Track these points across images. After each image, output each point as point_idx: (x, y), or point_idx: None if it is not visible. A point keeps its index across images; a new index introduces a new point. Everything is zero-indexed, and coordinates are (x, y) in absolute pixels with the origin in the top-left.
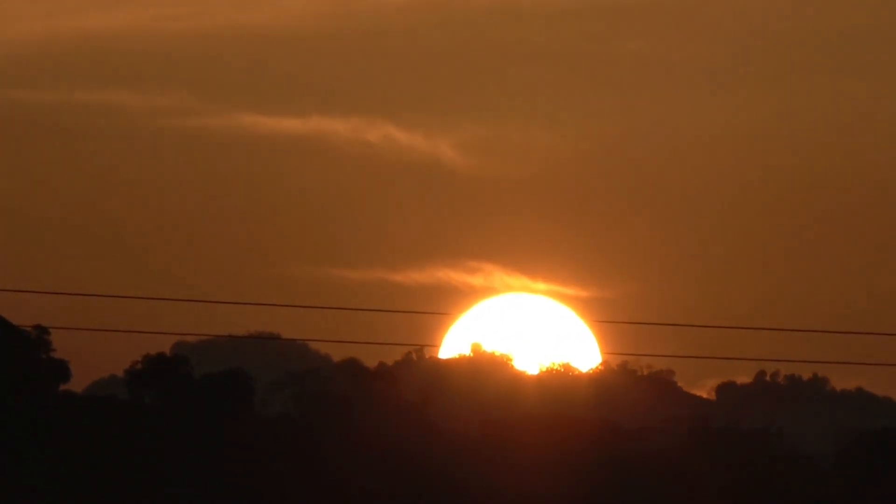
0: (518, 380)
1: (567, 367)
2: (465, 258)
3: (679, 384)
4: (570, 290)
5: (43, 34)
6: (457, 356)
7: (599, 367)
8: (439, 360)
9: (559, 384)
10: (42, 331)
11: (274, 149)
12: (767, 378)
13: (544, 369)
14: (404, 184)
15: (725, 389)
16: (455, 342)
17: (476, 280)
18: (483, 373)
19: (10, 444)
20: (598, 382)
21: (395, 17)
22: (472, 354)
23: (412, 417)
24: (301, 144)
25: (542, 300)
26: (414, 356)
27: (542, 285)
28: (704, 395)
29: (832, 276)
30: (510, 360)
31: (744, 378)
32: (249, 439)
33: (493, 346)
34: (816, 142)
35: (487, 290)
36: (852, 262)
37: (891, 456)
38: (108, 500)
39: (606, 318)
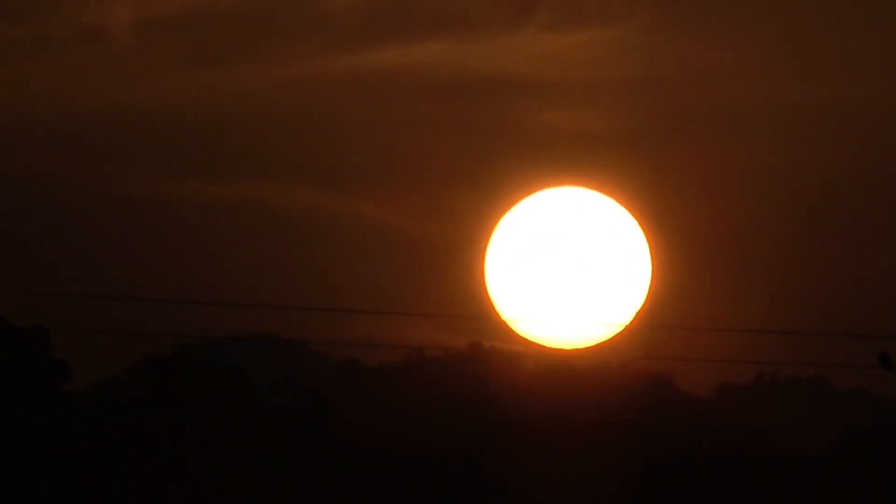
0: (518, 379)
1: (567, 364)
2: (394, 314)
3: (679, 384)
4: None
5: None
6: (456, 355)
7: (598, 366)
8: (439, 359)
9: (558, 384)
10: (42, 331)
11: (203, 212)
12: (767, 378)
13: (543, 365)
14: (331, 244)
15: (725, 389)
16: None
17: (409, 335)
18: (482, 371)
19: (10, 444)
20: (598, 382)
21: (306, 89)
22: (471, 353)
23: (412, 417)
24: (232, 208)
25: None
26: (414, 356)
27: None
28: (704, 396)
29: (833, 278)
30: (510, 358)
31: (744, 378)
32: (249, 439)
33: (494, 343)
34: (796, 147)
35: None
36: (853, 263)
37: (890, 455)
38: (108, 499)
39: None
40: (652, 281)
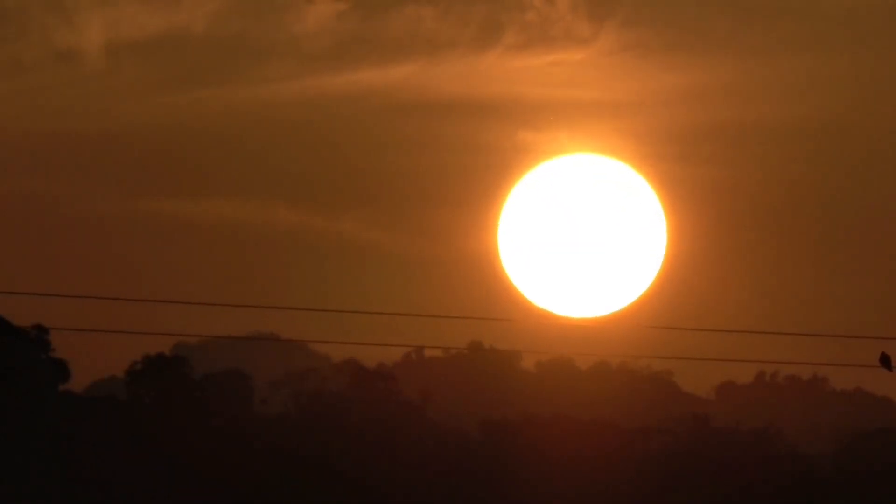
0: (517, 378)
1: (566, 364)
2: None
3: (679, 384)
4: None
5: None
6: (455, 355)
7: (598, 366)
8: (439, 359)
9: (558, 383)
10: (42, 331)
11: (182, 232)
12: (767, 378)
13: (543, 365)
14: (311, 260)
15: (725, 389)
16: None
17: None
18: (482, 371)
19: (10, 444)
20: (598, 382)
21: (272, 112)
22: (470, 352)
23: (412, 417)
24: (207, 227)
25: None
26: (414, 356)
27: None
28: (704, 396)
29: (834, 280)
30: (509, 357)
31: (744, 378)
32: (249, 439)
33: (493, 343)
34: (794, 152)
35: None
36: (853, 265)
37: (890, 456)
38: (108, 500)
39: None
40: (658, 275)
